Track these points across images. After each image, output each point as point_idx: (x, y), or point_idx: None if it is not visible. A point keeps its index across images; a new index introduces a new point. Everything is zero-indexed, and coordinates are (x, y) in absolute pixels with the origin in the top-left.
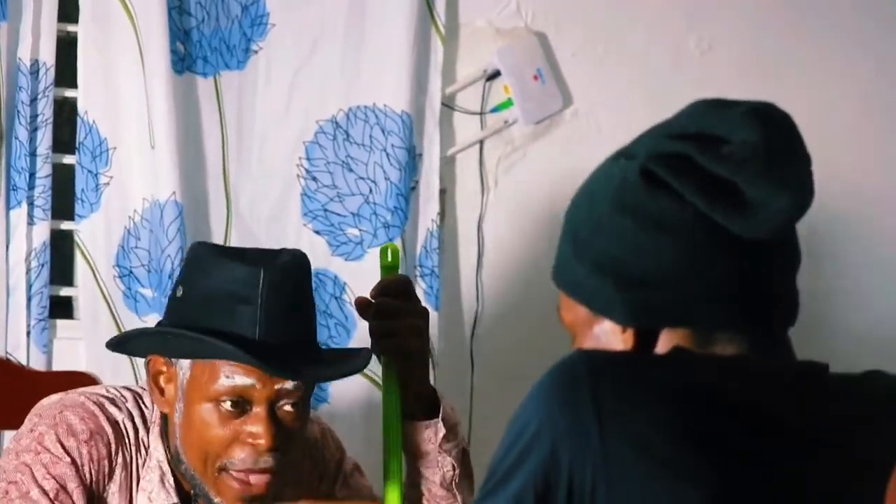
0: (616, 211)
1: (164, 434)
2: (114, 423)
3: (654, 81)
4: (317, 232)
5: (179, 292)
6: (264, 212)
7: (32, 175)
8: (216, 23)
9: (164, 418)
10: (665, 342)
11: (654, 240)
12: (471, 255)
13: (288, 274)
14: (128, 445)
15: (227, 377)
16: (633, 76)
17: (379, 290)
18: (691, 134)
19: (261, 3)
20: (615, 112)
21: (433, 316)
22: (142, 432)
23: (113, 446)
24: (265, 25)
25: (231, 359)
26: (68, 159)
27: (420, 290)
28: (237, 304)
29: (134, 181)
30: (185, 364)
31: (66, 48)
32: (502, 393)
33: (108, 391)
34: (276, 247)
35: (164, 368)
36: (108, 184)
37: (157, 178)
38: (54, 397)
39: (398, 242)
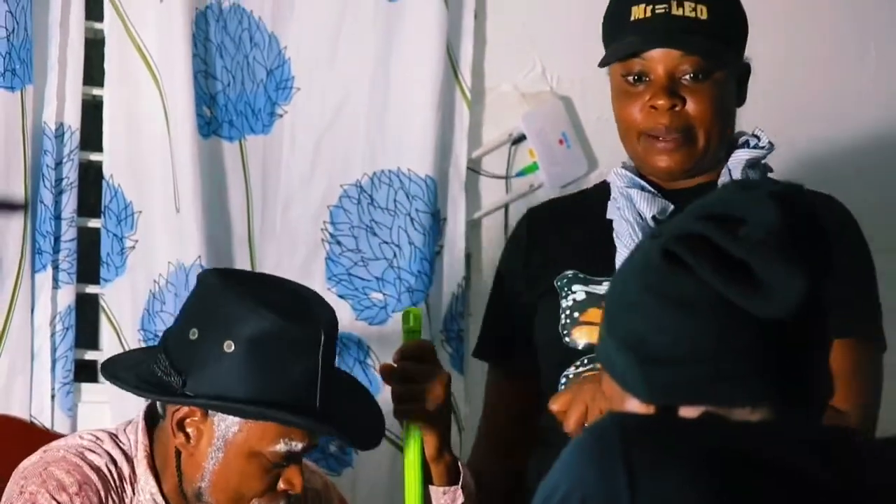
0: (641, 289)
1: (153, 466)
2: (97, 470)
3: None
4: (341, 296)
5: (194, 335)
6: (289, 276)
7: (57, 239)
8: (241, 87)
9: (152, 452)
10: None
11: (674, 319)
12: None
13: (333, 331)
14: (115, 488)
15: (286, 443)
16: None
17: (401, 355)
18: (715, 214)
19: (286, 67)
20: None
21: (458, 380)
22: (125, 469)
23: (102, 493)
24: (290, 89)
25: (304, 428)
26: (93, 223)
27: (445, 353)
28: (293, 367)
29: (159, 245)
30: (230, 420)
31: (92, 111)
32: None
33: (82, 438)
34: None
35: (197, 416)
36: (133, 247)
37: (182, 242)
38: (34, 457)
39: (422, 307)
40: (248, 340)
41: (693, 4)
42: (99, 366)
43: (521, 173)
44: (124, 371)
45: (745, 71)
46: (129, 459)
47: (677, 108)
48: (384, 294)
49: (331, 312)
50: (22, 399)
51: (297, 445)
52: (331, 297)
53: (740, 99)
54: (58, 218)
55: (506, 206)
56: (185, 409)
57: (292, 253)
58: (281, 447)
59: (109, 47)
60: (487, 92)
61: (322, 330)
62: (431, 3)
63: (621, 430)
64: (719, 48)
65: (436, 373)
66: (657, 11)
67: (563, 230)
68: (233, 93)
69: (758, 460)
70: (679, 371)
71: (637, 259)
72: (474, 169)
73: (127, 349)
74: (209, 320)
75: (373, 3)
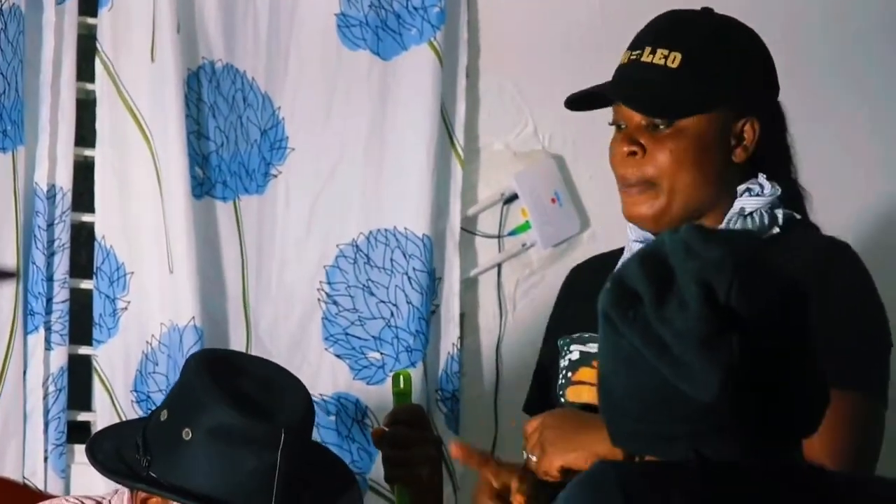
0: (604, 340)
1: None
2: None
3: None
4: (338, 356)
5: (164, 417)
6: (285, 336)
7: (49, 300)
8: (235, 147)
9: None
10: None
11: (623, 373)
12: (489, 379)
13: (301, 427)
14: None
15: None
16: None
17: (392, 419)
18: (658, 270)
19: (280, 127)
20: None
21: (453, 439)
22: None
23: None
24: (284, 150)
25: None
26: (86, 284)
27: (441, 413)
28: (248, 465)
29: (152, 306)
30: None
31: (83, 172)
32: None
33: (67, 501)
34: (297, 372)
35: (159, 500)
36: (126, 308)
37: (176, 303)
38: None
39: (420, 366)
40: (206, 432)
41: (666, 52)
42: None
43: (513, 232)
44: (109, 442)
45: (757, 114)
46: None
47: (637, 156)
48: (382, 353)
49: (303, 406)
50: (15, 461)
51: None
52: (328, 357)
53: (747, 145)
54: (50, 279)
55: (499, 266)
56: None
57: (288, 313)
58: None
59: (101, 108)
60: (481, 151)
61: (283, 430)
62: (426, 62)
63: (618, 478)
64: (682, 98)
65: (427, 438)
66: (631, 58)
67: (588, 287)
68: (226, 153)
69: (735, 489)
70: (634, 423)
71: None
72: (467, 228)
73: (120, 410)
74: (178, 404)
75: (367, 62)
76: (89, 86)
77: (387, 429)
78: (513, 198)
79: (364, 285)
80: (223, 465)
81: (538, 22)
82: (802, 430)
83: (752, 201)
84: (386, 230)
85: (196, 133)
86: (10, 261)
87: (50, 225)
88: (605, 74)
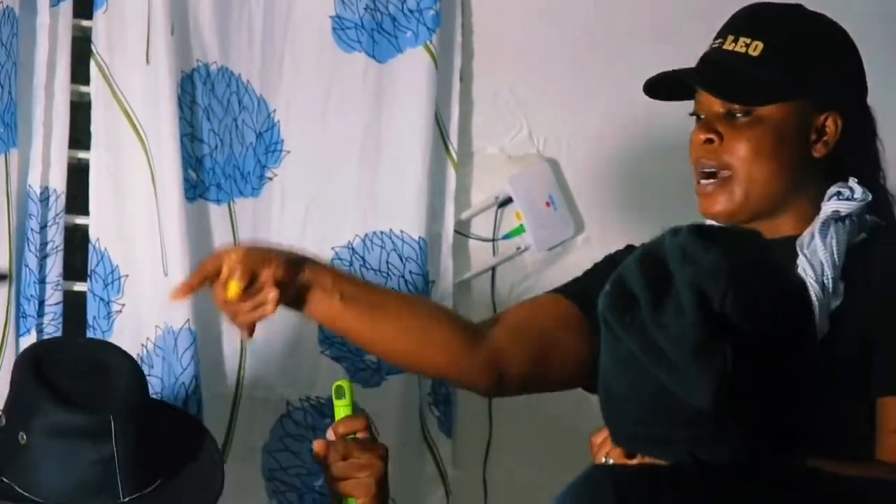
0: (604, 342)
1: None
2: None
3: (668, 207)
4: (335, 358)
5: (2, 422)
6: (280, 339)
7: (42, 302)
8: (230, 150)
9: None
10: None
11: (623, 376)
12: None
13: (131, 411)
14: None
15: None
16: (646, 203)
17: (341, 430)
18: (656, 272)
19: (275, 130)
20: (628, 239)
21: (446, 444)
22: None
23: None
24: (280, 152)
25: None
26: (80, 286)
27: (433, 417)
28: (87, 457)
29: (147, 309)
30: None
31: (77, 174)
32: None
33: None
34: (293, 375)
35: None
36: (120, 311)
37: (170, 306)
38: None
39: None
40: (40, 433)
41: (748, 41)
42: None
43: (507, 236)
44: None
45: (840, 110)
46: None
47: (714, 144)
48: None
49: (130, 384)
50: None
51: None
52: (324, 360)
53: (828, 140)
54: (42, 282)
55: (493, 269)
56: None
57: (284, 315)
58: None
59: (96, 110)
60: (475, 154)
61: (111, 417)
62: (421, 65)
63: (614, 483)
64: (760, 85)
65: (376, 447)
66: (713, 46)
67: None
68: (220, 156)
69: (728, 493)
70: (635, 427)
71: None
72: (461, 232)
73: None
74: (12, 408)
75: (362, 65)
76: (83, 88)
77: (332, 440)
78: (507, 201)
79: None
80: (65, 463)
81: (533, 25)
82: (803, 433)
83: (846, 205)
84: (382, 233)
85: (190, 136)
86: (2, 263)
87: (43, 227)
88: (599, 77)
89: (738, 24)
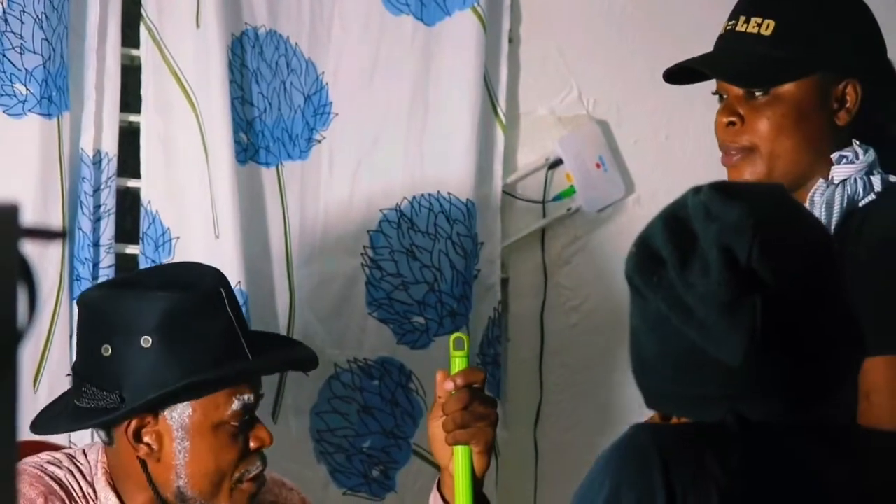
0: (632, 303)
1: (113, 485)
2: (59, 481)
3: (718, 167)
4: (382, 321)
5: (107, 352)
6: (328, 301)
7: (96, 265)
8: (279, 112)
9: (114, 469)
10: None
11: (653, 336)
12: (533, 344)
13: (227, 284)
14: (77, 499)
15: (238, 399)
16: (696, 163)
17: (457, 382)
18: (681, 231)
19: (324, 92)
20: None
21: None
22: (85, 486)
23: (67, 502)
24: (328, 115)
25: (249, 372)
26: (131, 249)
27: None
28: (211, 330)
29: None
30: (181, 407)
31: (129, 138)
32: (566, 482)
33: (40, 457)
34: (340, 336)
35: (149, 421)
36: None
37: (221, 267)
38: None
39: (464, 331)
40: (158, 329)
41: (759, 20)
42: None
43: (557, 197)
44: (53, 422)
45: (858, 76)
46: (87, 479)
47: (736, 126)
48: (426, 318)
49: (216, 270)
50: None
51: (249, 397)
52: (371, 322)
53: (850, 108)
54: (96, 244)
55: (542, 231)
56: (135, 420)
57: (332, 278)
58: (236, 405)
59: (146, 74)
60: (523, 116)
61: (218, 286)
62: (470, 27)
63: (656, 443)
64: (774, 66)
65: (491, 399)
66: (727, 28)
67: None
68: (269, 119)
69: (788, 467)
70: (670, 385)
71: None
72: (510, 193)
73: None
74: (113, 331)
75: (411, 27)
76: (134, 52)
77: (453, 389)
78: (557, 163)
79: (408, 250)
80: (189, 344)
81: None
82: (836, 386)
83: (843, 169)
84: (430, 195)
85: (240, 99)
86: (56, 227)
87: (96, 190)
88: (648, 39)
89: (749, 4)
